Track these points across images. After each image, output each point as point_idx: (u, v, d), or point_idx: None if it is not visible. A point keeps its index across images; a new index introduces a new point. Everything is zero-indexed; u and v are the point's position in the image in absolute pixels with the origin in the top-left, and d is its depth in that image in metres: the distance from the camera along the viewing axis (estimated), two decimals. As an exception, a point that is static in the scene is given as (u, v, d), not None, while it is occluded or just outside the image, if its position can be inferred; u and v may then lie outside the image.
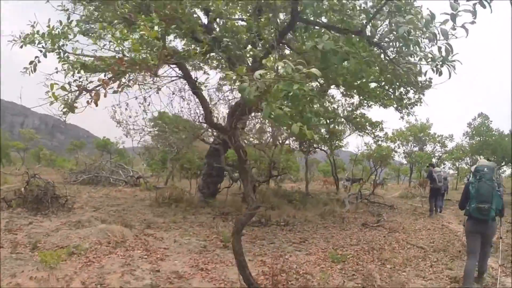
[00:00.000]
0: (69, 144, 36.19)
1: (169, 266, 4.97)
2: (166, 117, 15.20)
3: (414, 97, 11.03)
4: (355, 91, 11.75)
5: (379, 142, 14.43)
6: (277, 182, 15.14)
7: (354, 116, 13.36)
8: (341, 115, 14.38)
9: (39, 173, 9.38)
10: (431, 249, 6.52)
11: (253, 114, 10.50)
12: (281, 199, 11.13)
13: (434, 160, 22.78)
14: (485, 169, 4.29)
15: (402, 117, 11.29)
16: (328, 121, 14.39)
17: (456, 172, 32.52)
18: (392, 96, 10.57)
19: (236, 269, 4.00)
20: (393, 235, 7.71)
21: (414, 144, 29.45)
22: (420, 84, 10.90)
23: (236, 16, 6.40)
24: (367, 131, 14.33)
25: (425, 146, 27.87)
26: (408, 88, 10.98)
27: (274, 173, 11.51)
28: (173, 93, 7.67)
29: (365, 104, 12.39)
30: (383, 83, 11.56)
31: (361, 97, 11.92)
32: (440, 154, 24.74)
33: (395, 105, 10.75)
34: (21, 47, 3.09)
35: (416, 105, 10.93)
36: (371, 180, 27.26)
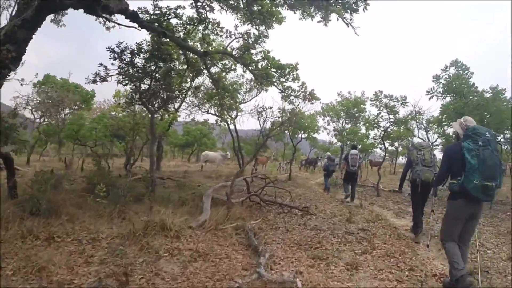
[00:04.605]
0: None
1: None
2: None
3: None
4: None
5: (292, 98, 9.24)
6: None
7: (245, 47, 7.82)
8: (229, 50, 8.85)
9: None
10: None
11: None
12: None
13: (377, 135, 16.52)
14: (487, 133, 3.20)
15: (322, 21, 6.02)
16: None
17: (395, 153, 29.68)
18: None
19: None
20: None
21: (346, 121, 25.83)
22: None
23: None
24: (273, 79, 9.02)
25: (358, 124, 24.22)
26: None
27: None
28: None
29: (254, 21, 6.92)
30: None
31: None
32: (388, 125, 14.10)
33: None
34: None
35: (357, 10, 5.74)
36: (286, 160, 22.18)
